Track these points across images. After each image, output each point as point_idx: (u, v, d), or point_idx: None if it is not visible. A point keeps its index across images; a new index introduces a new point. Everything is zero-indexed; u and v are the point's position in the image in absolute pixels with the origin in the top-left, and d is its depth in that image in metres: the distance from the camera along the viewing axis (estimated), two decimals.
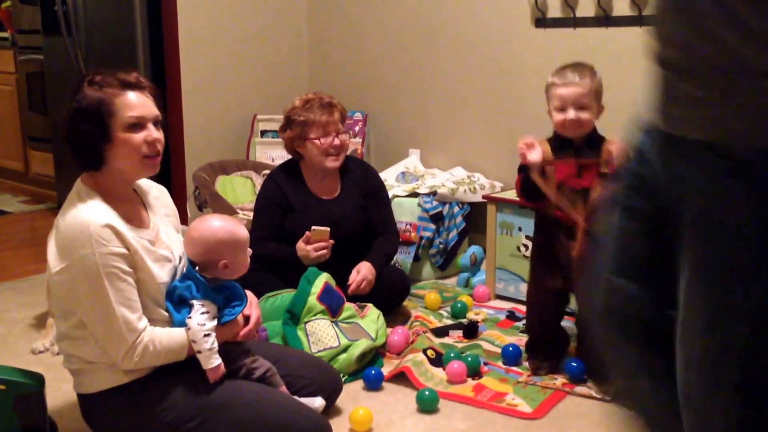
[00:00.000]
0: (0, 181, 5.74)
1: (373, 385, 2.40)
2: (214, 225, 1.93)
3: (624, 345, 1.29)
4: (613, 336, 1.30)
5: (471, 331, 2.79)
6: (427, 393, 2.26)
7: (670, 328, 1.17)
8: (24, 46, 5.09)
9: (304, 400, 2.00)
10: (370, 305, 2.72)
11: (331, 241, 2.75)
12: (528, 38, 3.55)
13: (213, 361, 1.85)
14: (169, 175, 3.97)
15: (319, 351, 2.44)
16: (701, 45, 1.07)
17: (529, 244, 3.09)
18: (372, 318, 2.65)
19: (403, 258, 3.40)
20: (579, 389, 2.35)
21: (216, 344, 1.86)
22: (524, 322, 2.97)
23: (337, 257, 2.77)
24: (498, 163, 3.72)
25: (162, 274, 1.87)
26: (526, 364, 2.55)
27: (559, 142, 2.37)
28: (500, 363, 2.56)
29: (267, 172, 3.37)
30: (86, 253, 1.73)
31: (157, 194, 2.05)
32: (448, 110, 3.92)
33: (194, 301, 1.86)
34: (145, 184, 2.03)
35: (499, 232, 3.19)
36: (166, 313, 1.88)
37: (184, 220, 3.00)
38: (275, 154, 4.03)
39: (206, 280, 1.89)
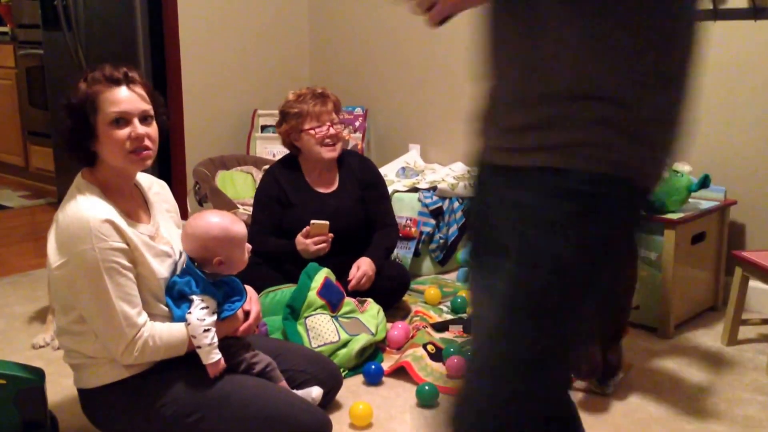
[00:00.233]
0: (0, 176, 5.74)
1: (373, 380, 2.40)
2: (208, 222, 1.93)
3: None
4: None
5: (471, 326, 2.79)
6: (427, 388, 2.27)
7: None
8: (24, 41, 5.08)
9: (301, 391, 2.01)
10: (370, 300, 2.73)
11: (331, 235, 2.76)
12: None
13: (213, 356, 1.85)
14: (170, 170, 3.97)
15: (319, 346, 2.45)
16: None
17: None
18: (372, 313, 2.66)
19: (403, 253, 3.40)
20: (577, 383, 2.36)
21: (216, 339, 1.86)
22: None
23: (336, 250, 2.78)
24: None
25: (162, 269, 1.87)
26: None
27: None
28: None
29: (267, 167, 3.37)
30: (86, 248, 1.73)
31: (157, 189, 2.05)
32: (448, 105, 3.92)
33: (194, 297, 1.86)
34: (146, 179, 2.03)
35: None
36: (166, 309, 1.88)
37: (184, 215, 3.01)
38: (275, 150, 4.03)
39: (205, 275, 1.89)
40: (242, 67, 4.25)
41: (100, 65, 1.86)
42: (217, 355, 1.86)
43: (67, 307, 1.84)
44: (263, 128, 4.24)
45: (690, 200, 2.87)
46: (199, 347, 1.85)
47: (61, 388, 2.27)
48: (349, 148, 3.93)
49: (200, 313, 1.85)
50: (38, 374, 1.93)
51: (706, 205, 2.90)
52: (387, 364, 2.50)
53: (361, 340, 2.49)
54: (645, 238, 2.76)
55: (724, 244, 3.00)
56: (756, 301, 2.97)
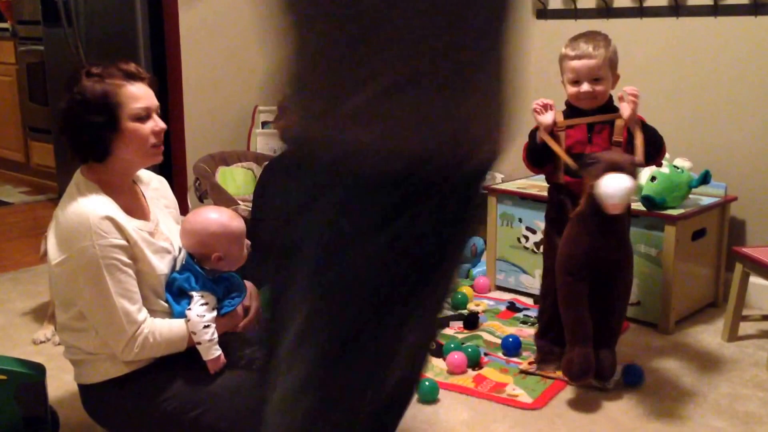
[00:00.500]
0: (1, 172, 5.74)
1: None
2: (206, 218, 1.93)
3: None
4: None
5: (471, 322, 2.80)
6: (427, 383, 2.27)
7: None
8: (24, 37, 5.08)
9: None
10: None
11: None
12: (529, 29, 3.54)
13: (213, 352, 1.85)
14: (170, 166, 3.97)
15: None
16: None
17: (530, 235, 3.09)
18: None
19: None
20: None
21: (216, 335, 1.86)
22: (525, 313, 2.98)
23: None
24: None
25: (162, 265, 1.87)
26: (525, 354, 2.56)
27: (572, 113, 2.32)
28: (500, 354, 2.57)
29: (267, 163, 3.37)
30: (86, 245, 1.73)
31: (156, 185, 2.05)
32: None
33: (193, 293, 1.86)
34: (145, 175, 2.03)
35: (499, 223, 3.19)
36: (166, 305, 1.88)
37: (185, 211, 3.01)
38: (276, 146, 4.03)
39: (205, 271, 1.89)
40: (243, 63, 4.24)
41: (93, 62, 1.86)
42: (217, 351, 1.86)
43: (68, 304, 1.84)
44: (264, 124, 4.23)
45: (690, 196, 2.87)
46: (200, 343, 1.85)
47: (61, 383, 2.27)
48: None
49: (200, 309, 1.85)
50: (39, 370, 1.94)
51: (706, 201, 2.90)
52: None
53: None
54: (645, 235, 2.76)
55: (724, 240, 3.00)
56: (756, 297, 2.96)
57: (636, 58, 3.13)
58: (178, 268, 1.92)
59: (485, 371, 2.43)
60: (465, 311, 2.95)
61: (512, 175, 3.52)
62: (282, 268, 1.09)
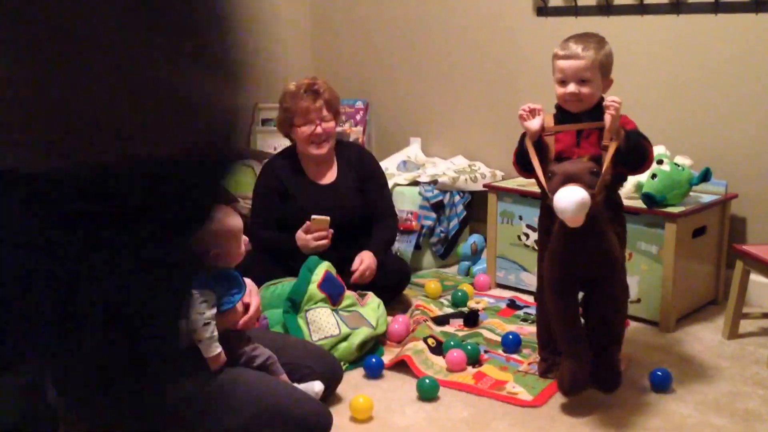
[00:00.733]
0: None
1: (374, 373, 2.41)
2: None
3: None
4: None
5: (472, 319, 2.80)
6: (427, 381, 2.27)
7: None
8: None
9: (303, 385, 2.01)
10: (370, 294, 2.73)
11: (331, 231, 2.76)
12: (529, 27, 3.54)
13: (213, 350, 1.86)
14: None
15: (319, 339, 2.45)
16: None
17: (530, 233, 3.09)
18: (372, 306, 2.66)
19: (404, 247, 3.40)
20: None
21: (216, 332, 1.86)
22: (525, 310, 2.98)
23: (336, 242, 2.78)
24: (499, 152, 3.71)
25: None
26: (525, 351, 2.56)
27: (561, 116, 2.24)
28: (501, 351, 2.57)
29: (266, 160, 3.37)
30: None
31: None
32: (449, 99, 3.92)
33: (193, 290, 1.86)
34: None
35: (500, 221, 3.19)
36: None
37: None
38: (276, 143, 4.03)
39: (204, 269, 1.89)
40: None
41: None
42: (217, 348, 1.87)
43: None
44: (264, 122, 4.23)
45: (691, 194, 2.87)
46: (200, 340, 1.85)
47: None
48: (350, 140, 3.93)
49: (200, 307, 1.85)
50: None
51: (707, 198, 2.90)
52: (387, 358, 2.50)
53: (361, 334, 2.49)
54: (646, 232, 2.76)
55: (725, 238, 3.00)
56: (757, 295, 2.96)
57: (636, 56, 3.13)
58: None
59: (485, 368, 2.44)
60: (465, 309, 2.95)
61: (512, 172, 3.51)
62: None
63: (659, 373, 2.31)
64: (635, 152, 2.13)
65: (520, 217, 3.12)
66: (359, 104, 4.22)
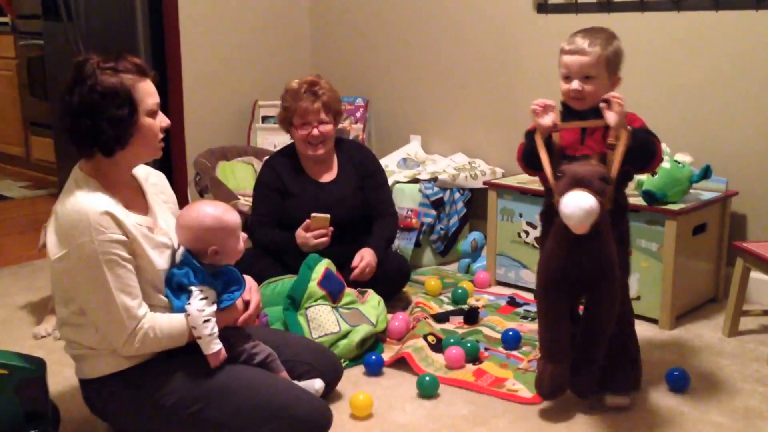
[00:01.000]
0: (1, 166, 5.74)
1: (374, 370, 2.41)
2: (200, 212, 1.93)
3: None
4: None
5: (472, 316, 2.80)
6: (427, 378, 2.27)
7: None
8: (24, 32, 5.07)
9: (304, 383, 2.01)
10: (370, 291, 2.73)
11: (331, 228, 2.75)
12: (530, 24, 3.53)
13: (213, 347, 1.86)
14: (170, 161, 3.97)
15: (319, 336, 2.45)
16: None
17: (530, 230, 3.09)
18: (372, 304, 2.66)
19: (404, 244, 3.40)
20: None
21: (216, 329, 1.86)
22: (525, 307, 2.98)
23: (336, 239, 2.78)
24: (499, 149, 3.71)
25: (161, 260, 1.87)
26: (525, 348, 2.56)
27: (567, 113, 2.16)
28: (501, 348, 2.57)
29: (266, 158, 3.36)
30: (85, 241, 1.73)
31: (155, 180, 2.05)
32: (449, 96, 3.91)
33: (193, 288, 1.86)
34: (143, 170, 2.03)
35: (499, 218, 3.19)
36: (166, 299, 1.88)
37: (185, 206, 3.00)
38: (276, 140, 4.03)
39: (203, 266, 1.89)
40: (243, 58, 4.23)
41: (96, 54, 1.84)
42: (217, 345, 1.86)
43: (68, 299, 1.84)
44: (264, 119, 4.23)
45: (691, 191, 2.86)
46: (200, 338, 1.85)
47: (62, 378, 2.28)
48: (350, 138, 3.92)
49: (200, 304, 1.85)
50: (39, 364, 1.94)
51: (707, 196, 2.90)
52: (387, 355, 2.50)
53: (361, 331, 2.49)
54: (646, 230, 2.76)
55: (725, 235, 2.99)
56: (757, 292, 2.96)
57: (637, 53, 3.12)
58: (177, 262, 1.93)
59: (485, 366, 2.43)
60: (465, 306, 2.95)
61: (512, 169, 3.52)
62: None
63: (676, 373, 2.30)
64: (642, 150, 2.04)
65: (520, 215, 3.12)
66: (359, 102, 4.21)
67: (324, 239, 2.75)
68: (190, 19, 3.95)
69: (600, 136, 2.10)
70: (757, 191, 2.98)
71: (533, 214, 3.05)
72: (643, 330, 2.74)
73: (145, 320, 1.80)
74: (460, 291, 3.02)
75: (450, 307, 2.96)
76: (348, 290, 2.66)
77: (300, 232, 2.76)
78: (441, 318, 2.83)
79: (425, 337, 2.56)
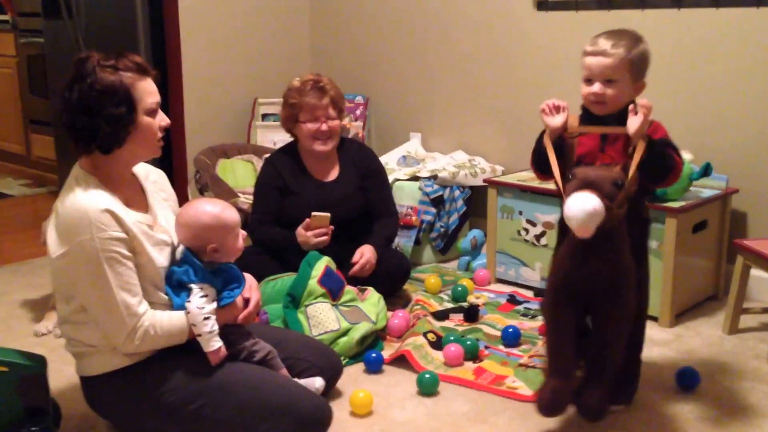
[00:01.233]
0: (1, 164, 5.74)
1: (374, 368, 2.41)
2: (199, 210, 1.93)
3: None
4: None
5: (471, 314, 2.80)
6: (427, 376, 2.27)
7: None
8: (24, 29, 5.07)
9: (304, 381, 2.01)
10: (370, 289, 2.73)
11: (331, 227, 2.75)
12: (530, 21, 3.53)
13: (213, 344, 1.86)
14: (171, 158, 3.97)
15: (319, 334, 2.45)
16: None
17: (530, 228, 3.09)
18: (372, 301, 2.66)
19: (403, 242, 3.40)
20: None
21: (216, 327, 1.87)
22: (525, 305, 2.98)
23: (336, 239, 2.78)
24: (499, 147, 3.71)
25: (161, 258, 1.87)
26: (525, 346, 2.56)
27: (587, 119, 2.05)
28: (500, 346, 2.57)
29: (267, 155, 3.37)
30: (85, 239, 1.73)
31: (155, 178, 2.05)
32: (449, 94, 3.91)
33: (192, 285, 1.86)
34: (143, 168, 2.03)
35: (499, 215, 3.19)
36: (166, 297, 1.88)
37: (185, 204, 3.00)
38: (276, 138, 4.03)
39: (203, 263, 1.89)
40: (243, 56, 4.23)
41: (97, 52, 1.84)
42: (217, 343, 1.87)
43: (68, 297, 1.85)
44: (264, 117, 4.23)
45: (691, 189, 2.86)
46: (200, 335, 1.85)
47: (63, 375, 2.28)
48: (350, 136, 3.92)
49: (199, 302, 1.85)
50: (40, 362, 1.94)
51: (707, 193, 2.90)
52: (387, 353, 2.51)
53: (361, 329, 2.49)
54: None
55: (725, 233, 2.99)
56: (757, 290, 2.96)
57: None
58: (177, 260, 1.93)
59: (485, 364, 2.44)
60: (465, 304, 2.95)
61: (512, 167, 3.51)
62: None
63: (686, 372, 2.29)
64: (657, 163, 1.94)
65: (520, 212, 3.12)
66: (359, 99, 4.21)
67: (324, 238, 2.75)
68: (191, 17, 3.95)
69: (621, 146, 2.00)
70: (757, 189, 2.98)
71: (533, 211, 3.05)
72: None
73: (145, 318, 1.81)
74: (460, 289, 3.02)
75: (450, 305, 2.96)
76: (348, 288, 2.66)
77: (300, 231, 2.76)
78: (441, 315, 2.83)
79: (425, 335, 2.56)
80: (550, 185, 2.25)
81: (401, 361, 2.44)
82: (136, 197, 1.93)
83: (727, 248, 3.00)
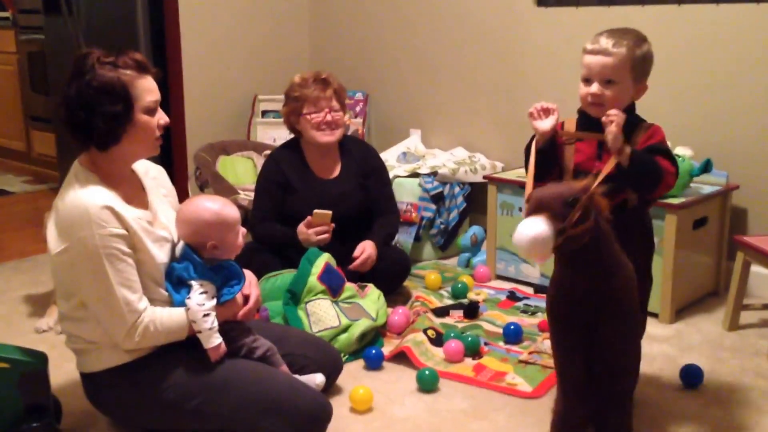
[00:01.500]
0: (2, 161, 5.74)
1: (374, 364, 2.41)
2: (199, 206, 1.94)
3: None
4: None
5: (471, 311, 2.80)
6: (427, 372, 2.28)
7: None
8: (25, 26, 5.07)
9: (304, 377, 2.02)
10: (370, 285, 2.73)
11: (332, 225, 2.76)
12: (530, 17, 3.53)
13: (213, 341, 1.86)
14: (171, 155, 3.97)
15: (319, 331, 2.46)
16: None
17: None
18: (372, 298, 2.66)
19: (404, 238, 3.40)
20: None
21: (216, 323, 1.87)
22: (525, 302, 2.98)
23: (337, 237, 2.78)
24: (499, 144, 3.71)
25: (161, 254, 1.88)
26: (526, 342, 2.56)
27: (584, 122, 1.96)
28: (501, 343, 2.57)
29: (268, 152, 3.37)
30: (86, 235, 1.73)
31: (154, 174, 2.05)
32: (449, 90, 3.91)
33: (192, 282, 1.87)
34: (143, 164, 2.03)
35: (499, 212, 3.19)
36: (166, 294, 1.88)
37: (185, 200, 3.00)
38: (276, 135, 4.03)
39: (203, 260, 1.90)
40: (242, 53, 4.23)
41: (99, 49, 1.84)
42: (217, 339, 1.87)
43: (69, 293, 1.85)
44: (264, 113, 4.23)
45: (692, 185, 2.86)
46: (200, 332, 1.85)
47: (63, 372, 2.28)
48: (349, 133, 3.92)
49: (199, 298, 1.85)
50: (41, 358, 1.94)
51: (708, 189, 2.90)
52: (387, 349, 2.51)
53: (361, 325, 2.50)
54: None
55: (725, 229, 2.99)
56: (757, 286, 2.96)
57: None
58: (177, 256, 1.93)
59: (485, 360, 2.44)
60: (465, 300, 2.95)
61: (512, 164, 3.51)
62: None
63: (690, 369, 2.28)
64: (640, 174, 1.83)
65: (520, 209, 3.12)
66: (359, 96, 4.21)
67: (325, 236, 2.75)
68: (191, 14, 3.95)
69: None
70: (757, 185, 2.98)
71: None
72: None
73: (145, 314, 1.81)
74: (460, 285, 3.03)
75: (450, 302, 2.96)
76: (348, 285, 2.66)
77: (302, 228, 2.77)
78: (441, 312, 2.83)
79: (425, 332, 2.56)
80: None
81: (401, 357, 2.44)
82: (136, 194, 1.93)
83: (727, 244, 3.00)
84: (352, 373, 2.36)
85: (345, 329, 2.49)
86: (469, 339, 2.49)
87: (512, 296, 3.02)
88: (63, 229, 1.77)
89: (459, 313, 2.82)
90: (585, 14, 3.33)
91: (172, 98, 3.90)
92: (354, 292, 2.66)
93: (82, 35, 4.04)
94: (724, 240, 3.00)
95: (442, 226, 3.49)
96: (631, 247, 1.85)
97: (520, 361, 2.43)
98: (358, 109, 4.20)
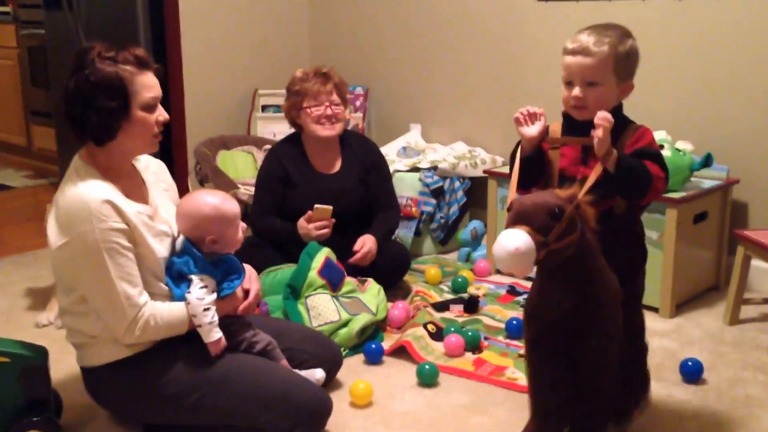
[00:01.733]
0: (3, 155, 5.74)
1: (374, 359, 2.41)
2: (199, 201, 1.94)
3: None
4: None
5: (472, 305, 2.80)
6: (427, 367, 2.28)
7: None
8: (25, 21, 5.06)
9: (304, 372, 2.02)
10: (370, 280, 2.73)
11: (333, 220, 2.76)
12: (530, 11, 3.52)
13: (214, 335, 1.86)
14: (171, 150, 3.97)
15: (319, 325, 2.46)
16: None
17: None
18: (372, 292, 2.66)
19: (404, 233, 3.40)
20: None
21: (216, 318, 1.87)
22: (525, 296, 2.98)
23: (337, 232, 2.78)
24: (499, 138, 3.70)
25: (161, 248, 1.88)
26: None
27: (569, 125, 1.85)
28: (501, 337, 2.58)
29: (268, 147, 3.37)
30: (86, 230, 1.73)
31: (155, 169, 2.05)
32: (449, 85, 3.90)
33: (192, 276, 1.87)
34: (144, 159, 2.03)
35: (499, 206, 3.19)
36: (166, 288, 1.89)
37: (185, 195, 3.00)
38: (276, 129, 4.02)
39: (203, 254, 1.90)
40: (243, 47, 4.22)
41: (99, 43, 1.84)
42: (218, 334, 1.87)
43: (69, 288, 1.85)
44: (264, 108, 4.22)
45: (692, 179, 2.86)
46: (200, 326, 1.85)
47: (64, 366, 2.29)
48: (349, 127, 3.92)
49: (199, 292, 1.85)
50: (41, 352, 1.95)
51: (708, 184, 2.90)
52: (387, 344, 2.51)
53: (361, 320, 2.50)
54: (646, 218, 2.76)
55: (726, 224, 2.99)
56: (758, 281, 2.96)
57: (638, 40, 3.10)
58: (177, 251, 1.93)
59: (485, 355, 2.44)
60: (465, 295, 2.95)
61: None
62: None
63: (690, 363, 2.29)
64: (627, 179, 1.72)
65: None
66: (359, 90, 4.21)
67: (326, 231, 2.75)
68: (191, 8, 3.94)
69: None
70: (758, 179, 2.98)
71: None
72: None
73: (145, 308, 1.81)
74: (460, 280, 3.03)
75: (450, 296, 2.96)
76: (348, 279, 2.66)
77: (302, 223, 2.77)
78: (441, 307, 2.83)
79: (425, 326, 2.56)
80: None
81: (401, 352, 2.45)
82: (136, 188, 1.93)
83: (727, 239, 3.00)
84: (352, 368, 2.36)
85: (345, 324, 2.49)
86: (470, 334, 2.50)
87: (512, 291, 3.03)
88: (63, 224, 1.77)
89: (459, 308, 2.83)
90: (586, 8, 3.32)
91: (172, 92, 3.89)
92: (354, 286, 2.66)
93: (82, 30, 4.04)
94: (724, 234, 3.00)
95: (442, 221, 3.49)
96: (621, 256, 1.77)
97: (520, 356, 2.43)
98: (358, 103, 4.19)
